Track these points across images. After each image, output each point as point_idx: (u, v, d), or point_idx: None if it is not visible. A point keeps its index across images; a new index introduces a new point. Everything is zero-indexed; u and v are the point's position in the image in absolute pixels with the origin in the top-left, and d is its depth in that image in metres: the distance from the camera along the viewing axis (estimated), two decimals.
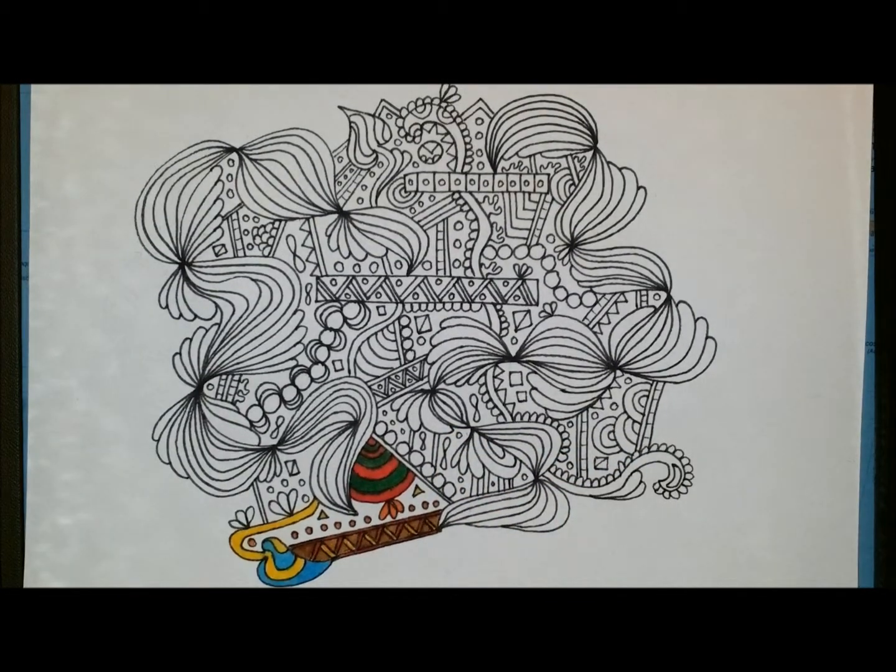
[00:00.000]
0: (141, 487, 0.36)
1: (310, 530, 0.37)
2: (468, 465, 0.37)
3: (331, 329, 0.37)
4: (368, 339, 0.37)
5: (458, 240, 0.37)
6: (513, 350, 0.37)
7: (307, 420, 0.37)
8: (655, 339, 0.37)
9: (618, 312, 0.37)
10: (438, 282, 0.37)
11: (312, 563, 0.37)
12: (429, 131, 0.37)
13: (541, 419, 0.37)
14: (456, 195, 0.37)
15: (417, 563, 0.37)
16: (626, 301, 0.37)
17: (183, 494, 0.36)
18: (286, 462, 0.37)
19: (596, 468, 0.37)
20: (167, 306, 0.36)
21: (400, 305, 0.37)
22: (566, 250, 0.37)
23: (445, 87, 0.37)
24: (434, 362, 0.37)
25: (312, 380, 0.37)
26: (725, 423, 0.37)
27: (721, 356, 0.37)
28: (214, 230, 0.36)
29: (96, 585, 0.36)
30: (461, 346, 0.37)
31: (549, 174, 0.37)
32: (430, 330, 0.37)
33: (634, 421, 0.37)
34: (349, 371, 0.37)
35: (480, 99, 0.37)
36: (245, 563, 0.37)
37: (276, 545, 0.37)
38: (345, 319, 0.37)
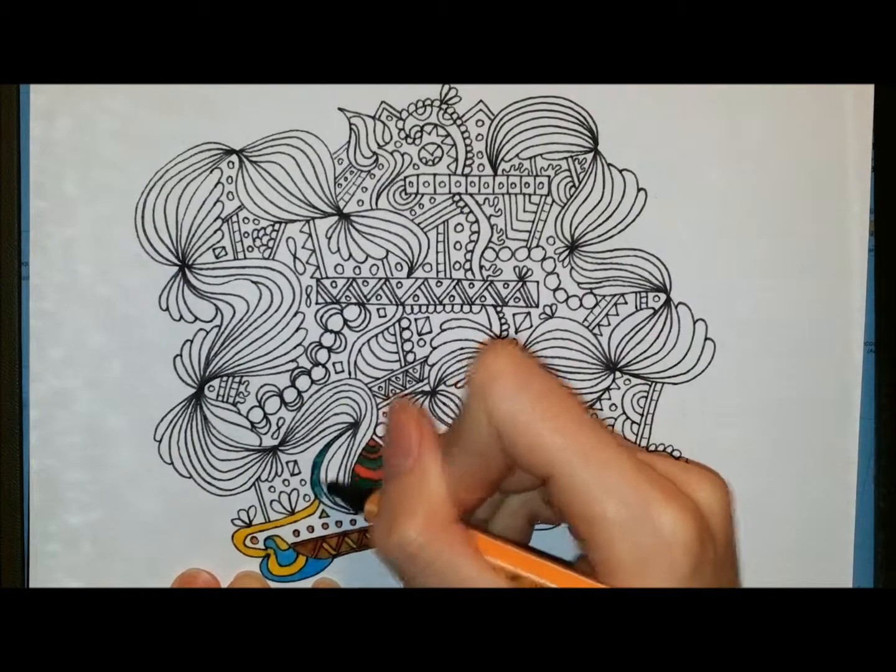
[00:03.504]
0: (145, 487, 0.36)
1: (311, 529, 0.37)
2: None
3: (331, 331, 0.37)
4: (369, 341, 0.37)
5: (459, 242, 0.37)
6: None
7: (308, 421, 0.37)
8: (655, 341, 0.37)
9: (617, 314, 0.37)
10: (439, 284, 0.37)
11: (314, 560, 0.37)
12: (429, 133, 0.37)
13: None
14: (456, 197, 0.37)
15: None
16: (625, 303, 0.37)
17: (186, 494, 0.37)
18: (287, 462, 0.37)
19: None
20: (168, 308, 0.36)
21: (400, 307, 0.37)
22: (566, 252, 0.37)
23: (446, 88, 0.37)
24: (434, 364, 0.37)
25: (313, 381, 0.37)
26: (724, 423, 0.38)
27: (720, 357, 0.37)
28: (214, 232, 0.36)
29: (109, 583, 0.36)
30: (461, 348, 0.37)
31: (549, 176, 0.37)
32: (430, 332, 0.37)
33: (633, 422, 0.37)
34: (350, 373, 0.37)
35: (481, 101, 0.37)
36: (248, 560, 0.37)
37: (278, 543, 0.37)
38: (345, 321, 0.37)
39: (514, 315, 0.37)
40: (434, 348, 0.37)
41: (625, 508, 0.27)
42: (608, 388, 0.37)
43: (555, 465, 0.28)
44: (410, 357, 0.37)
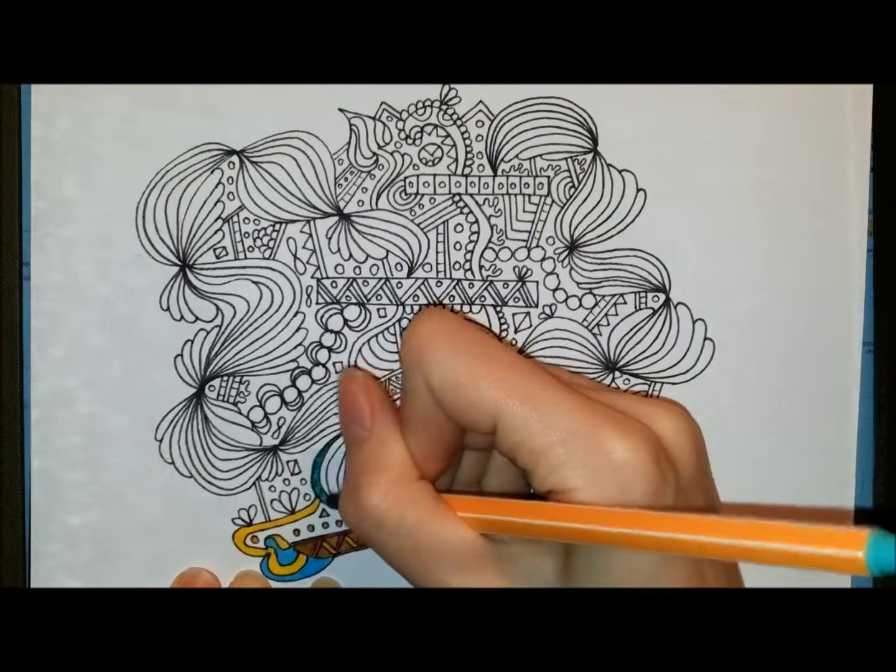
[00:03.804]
0: (146, 487, 0.37)
1: (311, 528, 0.37)
2: None
3: (331, 331, 0.37)
4: (369, 341, 0.37)
5: (459, 242, 0.37)
6: None
7: (308, 421, 0.37)
8: (654, 341, 0.37)
9: (617, 314, 0.37)
10: (439, 284, 0.37)
11: (315, 560, 0.38)
12: (429, 134, 0.37)
13: None
14: (456, 197, 0.37)
15: None
16: (625, 303, 0.37)
17: (186, 493, 0.37)
18: (287, 462, 0.37)
19: None
20: (168, 308, 0.36)
21: (400, 307, 0.37)
22: (566, 252, 0.37)
23: (446, 89, 0.37)
24: None
25: (313, 381, 0.37)
26: (723, 423, 0.38)
27: (719, 357, 0.37)
28: (215, 233, 0.36)
29: (110, 583, 0.36)
30: None
31: (549, 176, 0.37)
32: None
33: None
34: None
35: (481, 101, 0.37)
36: (248, 559, 0.37)
37: (278, 542, 0.37)
38: (345, 321, 0.37)
39: (513, 315, 0.37)
40: None
41: (571, 436, 0.27)
42: None
43: (498, 415, 0.28)
44: None
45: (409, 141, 0.37)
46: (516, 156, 0.37)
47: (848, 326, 0.38)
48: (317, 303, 0.37)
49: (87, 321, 0.36)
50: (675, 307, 0.37)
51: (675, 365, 0.37)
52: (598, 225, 0.37)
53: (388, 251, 0.37)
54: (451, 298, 0.37)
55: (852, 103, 0.38)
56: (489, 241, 0.37)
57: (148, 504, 0.37)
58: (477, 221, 0.37)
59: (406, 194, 0.37)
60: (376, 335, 0.37)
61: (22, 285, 0.36)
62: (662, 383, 0.37)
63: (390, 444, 0.31)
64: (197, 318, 0.36)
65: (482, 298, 0.37)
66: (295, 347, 0.37)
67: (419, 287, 0.37)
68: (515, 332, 0.37)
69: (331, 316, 0.37)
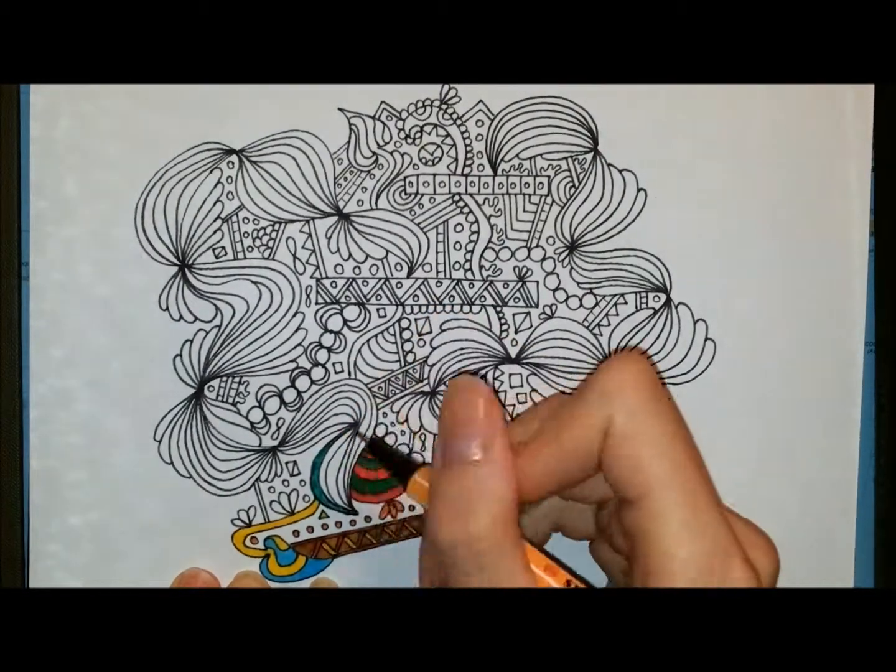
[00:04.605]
0: (145, 487, 0.36)
1: (311, 529, 0.37)
2: None
3: (331, 331, 0.37)
4: (368, 341, 0.37)
5: (459, 242, 0.37)
6: (513, 352, 0.37)
7: (308, 422, 0.37)
8: (655, 341, 0.37)
9: (617, 314, 0.37)
10: (438, 284, 0.37)
11: (314, 561, 0.37)
12: (429, 133, 0.37)
13: None
14: (456, 197, 0.37)
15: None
16: (625, 303, 0.37)
17: (186, 494, 0.37)
18: (287, 463, 0.37)
19: None
20: (167, 308, 0.36)
21: (400, 307, 0.37)
22: (566, 252, 0.37)
23: (446, 88, 0.37)
24: (434, 364, 0.37)
25: (313, 382, 0.37)
26: (724, 423, 0.38)
27: (720, 357, 0.37)
28: (214, 232, 0.36)
29: (109, 583, 0.36)
30: (461, 348, 0.37)
31: (549, 176, 0.37)
32: (430, 332, 0.37)
33: None
34: (349, 373, 0.37)
35: (481, 101, 0.37)
36: (247, 560, 0.37)
37: (277, 543, 0.37)
38: (345, 321, 0.37)
39: (514, 315, 0.37)
40: (434, 348, 0.37)
41: (703, 557, 0.27)
42: None
43: (653, 491, 0.27)
44: (410, 357, 0.37)
45: (409, 140, 0.37)
46: (516, 155, 0.37)
47: (849, 326, 0.38)
48: (316, 303, 0.37)
49: (86, 321, 0.36)
50: (676, 307, 0.37)
51: (676, 365, 0.37)
52: (599, 225, 0.37)
53: (387, 251, 0.37)
54: (451, 298, 0.37)
55: (853, 103, 0.38)
56: (489, 241, 0.37)
57: (147, 504, 0.36)
58: (477, 221, 0.37)
59: (406, 194, 0.37)
60: (376, 335, 0.37)
61: (21, 285, 0.36)
62: (664, 383, 0.37)
63: (506, 478, 0.28)
64: (196, 319, 0.36)
65: (482, 298, 0.37)
66: (294, 348, 0.37)
67: (419, 287, 0.37)
68: (516, 332, 0.37)
69: (330, 316, 0.37)
